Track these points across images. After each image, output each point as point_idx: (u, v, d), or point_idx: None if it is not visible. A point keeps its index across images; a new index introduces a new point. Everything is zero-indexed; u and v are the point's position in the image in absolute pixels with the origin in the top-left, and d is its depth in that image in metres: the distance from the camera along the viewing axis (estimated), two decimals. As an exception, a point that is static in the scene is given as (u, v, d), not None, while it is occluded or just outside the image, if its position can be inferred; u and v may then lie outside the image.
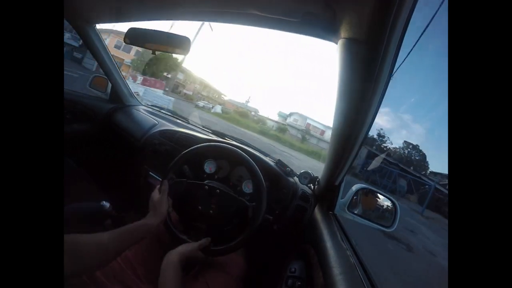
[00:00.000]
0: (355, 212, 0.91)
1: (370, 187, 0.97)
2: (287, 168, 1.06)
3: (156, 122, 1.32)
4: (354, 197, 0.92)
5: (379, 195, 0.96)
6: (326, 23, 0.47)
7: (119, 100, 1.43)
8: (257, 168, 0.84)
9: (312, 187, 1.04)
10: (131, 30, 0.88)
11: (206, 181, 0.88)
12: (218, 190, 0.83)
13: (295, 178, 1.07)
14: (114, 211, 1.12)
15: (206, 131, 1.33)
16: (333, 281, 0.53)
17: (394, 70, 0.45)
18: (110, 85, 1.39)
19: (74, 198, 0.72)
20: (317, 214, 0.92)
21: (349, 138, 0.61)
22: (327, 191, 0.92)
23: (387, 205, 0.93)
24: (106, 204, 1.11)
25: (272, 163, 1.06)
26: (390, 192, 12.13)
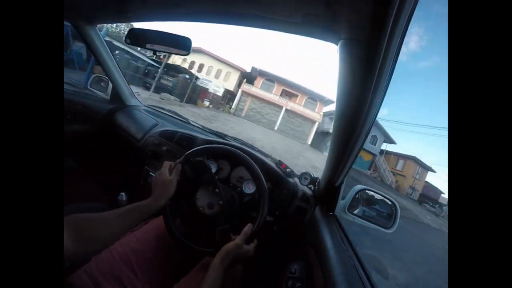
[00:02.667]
0: (355, 213, 0.91)
1: (370, 188, 0.97)
2: (288, 169, 1.06)
3: (157, 123, 1.32)
4: (355, 198, 0.92)
5: (379, 195, 0.96)
6: (326, 24, 0.47)
7: (119, 100, 1.43)
8: (259, 170, 0.84)
9: (312, 188, 1.04)
10: (132, 30, 0.88)
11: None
12: (217, 190, 0.83)
13: (295, 179, 1.07)
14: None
15: (206, 131, 1.33)
16: (333, 282, 0.52)
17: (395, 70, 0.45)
18: (110, 85, 1.40)
19: (74, 198, 0.72)
20: (318, 215, 0.92)
21: (349, 139, 0.61)
22: (327, 192, 0.92)
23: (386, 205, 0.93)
24: (123, 196, 1.14)
25: (272, 164, 1.06)
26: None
